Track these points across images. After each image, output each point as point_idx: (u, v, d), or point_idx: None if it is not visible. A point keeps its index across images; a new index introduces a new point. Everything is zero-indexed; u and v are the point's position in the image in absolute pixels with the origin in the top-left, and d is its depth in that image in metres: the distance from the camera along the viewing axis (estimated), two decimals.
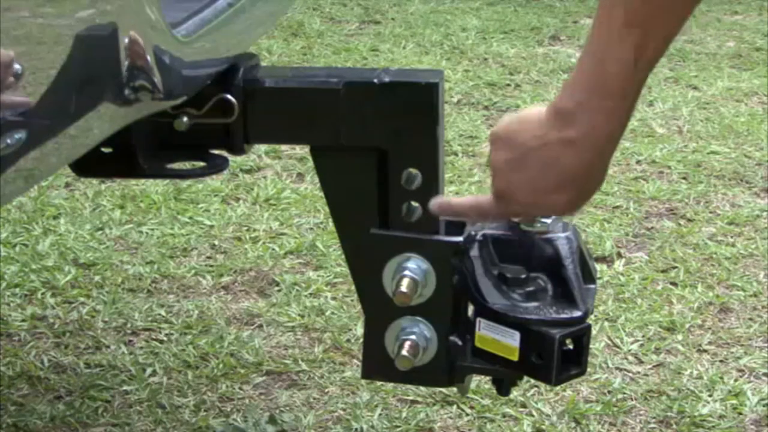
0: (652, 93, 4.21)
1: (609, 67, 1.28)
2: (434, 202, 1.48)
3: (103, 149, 1.61)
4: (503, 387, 1.62)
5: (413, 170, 1.56)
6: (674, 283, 2.78)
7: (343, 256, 1.69)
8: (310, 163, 1.66)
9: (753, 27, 5.26)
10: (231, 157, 1.67)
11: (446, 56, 4.70)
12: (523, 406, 2.28)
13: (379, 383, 2.30)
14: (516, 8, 5.51)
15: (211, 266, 2.82)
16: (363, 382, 2.32)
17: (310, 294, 2.69)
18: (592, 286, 1.57)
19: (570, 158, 1.31)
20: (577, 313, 1.50)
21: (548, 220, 1.53)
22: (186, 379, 2.36)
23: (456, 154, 3.56)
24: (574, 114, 1.30)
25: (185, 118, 1.56)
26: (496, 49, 4.79)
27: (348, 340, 2.50)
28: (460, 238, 1.56)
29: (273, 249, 2.91)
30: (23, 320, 2.56)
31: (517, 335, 1.50)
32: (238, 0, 1.63)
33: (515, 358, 1.51)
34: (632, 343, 2.52)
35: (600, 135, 1.30)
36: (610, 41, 1.29)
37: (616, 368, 2.43)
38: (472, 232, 1.56)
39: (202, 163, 1.67)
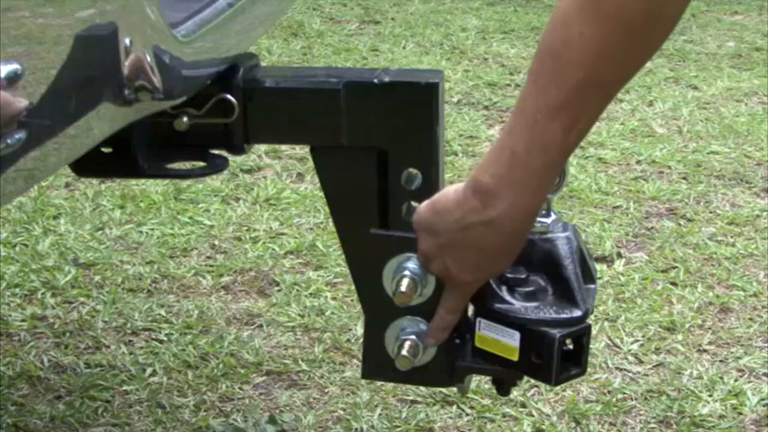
0: (652, 93, 4.22)
1: (533, 149, 1.29)
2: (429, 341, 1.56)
3: (103, 149, 1.61)
4: (503, 387, 1.62)
5: (413, 170, 1.56)
6: (674, 283, 2.78)
7: (343, 256, 1.69)
8: (310, 163, 1.66)
9: (753, 27, 5.27)
10: (231, 157, 1.67)
11: (446, 56, 4.70)
12: (523, 406, 2.28)
13: (379, 383, 2.31)
14: (516, 8, 5.51)
15: (211, 266, 2.83)
16: (363, 382, 2.32)
17: (310, 294, 2.69)
18: (592, 286, 1.57)
19: (491, 238, 1.36)
20: (577, 313, 1.50)
21: (548, 220, 1.53)
22: (186, 379, 2.36)
23: (456, 154, 3.56)
24: (494, 192, 1.32)
25: (185, 118, 1.56)
26: (496, 49, 4.79)
27: (348, 340, 2.50)
28: None
29: (273, 249, 2.91)
30: (23, 320, 2.56)
31: (517, 335, 1.50)
32: (238, 0, 1.63)
33: (515, 358, 1.51)
34: (632, 343, 2.52)
35: (520, 212, 1.34)
36: (535, 126, 1.28)
37: (616, 368, 2.43)
38: None
39: (202, 163, 1.67)
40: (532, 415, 2.26)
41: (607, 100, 1.30)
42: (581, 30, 1.22)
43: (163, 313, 2.60)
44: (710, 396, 2.33)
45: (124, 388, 2.32)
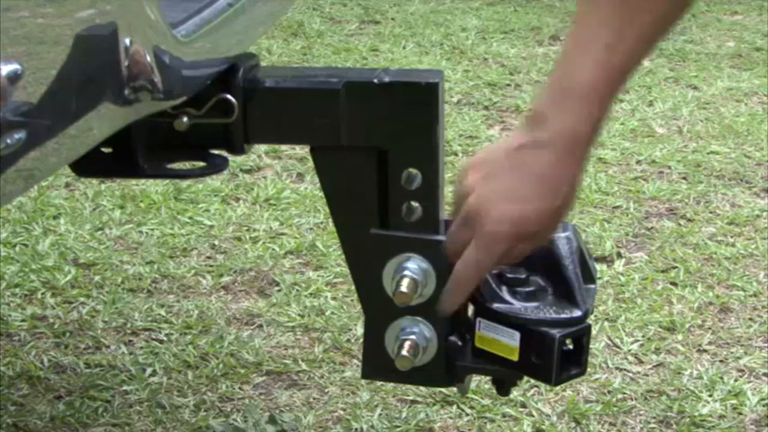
0: (652, 93, 4.22)
1: (579, 67, 1.28)
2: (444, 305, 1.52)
3: (103, 149, 1.61)
4: (503, 387, 1.62)
5: (413, 170, 1.56)
6: (674, 283, 2.78)
7: (343, 256, 1.69)
8: (310, 163, 1.66)
9: (753, 27, 5.27)
10: (231, 157, 1.67)
11: (446, 56, 4.70)
12: (523, 406, 2.28)
13: (379, 383, 2.31)
14: (516, 8, 5.51)
15: (211, 266, 2.83)
16: (363, 382, 2.32)
17: (310, 294, 2.70)
18: (592, 286, 1.57)
19: (542, 160, 1.31)
20: (577, 313, 1.50)
21: None
22: (186, 379, 2.36)
23: (456, 154, 3.56)
24: (545, 115, 1.31)
25: (185, 118, 1.56)
26: (496, 49, 4.79)
27: (348, 340, 2.50)
28: None
29: (273, 249, 2.91)
30: (23, 320, 2.56)
31: (517, 335, 1.50)
32: (238, 0, 1.63)
33: (515, 358, 1.51)
34: (632, 343, 2.52)
35: (570, 136, 1.30)
36: (580, 41, 1.28)
37: (616, 368, 2.43)
38: None
39: (202, 163, 1.67)
40: (532, 415, 2.26)
41: (654, 30, 1.27)
42: None
43: (163, 313, 2.60)
44: (710, 396, 2.33)
45: (124, 388, 2.32)
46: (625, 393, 2.34)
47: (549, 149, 1.31)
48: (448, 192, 1.58)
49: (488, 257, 1.41)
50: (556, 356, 1.48)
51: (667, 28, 1.30)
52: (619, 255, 2.92)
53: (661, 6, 1.28)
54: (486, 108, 4.05)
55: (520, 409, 2.27)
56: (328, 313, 2.61)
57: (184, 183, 3.21)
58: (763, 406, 2.31)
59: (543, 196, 1.33)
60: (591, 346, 1.68)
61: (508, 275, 1.52)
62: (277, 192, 3.24)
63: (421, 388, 2.28)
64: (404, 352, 1.56)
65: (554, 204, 1.34)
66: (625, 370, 2.43)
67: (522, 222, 1.37)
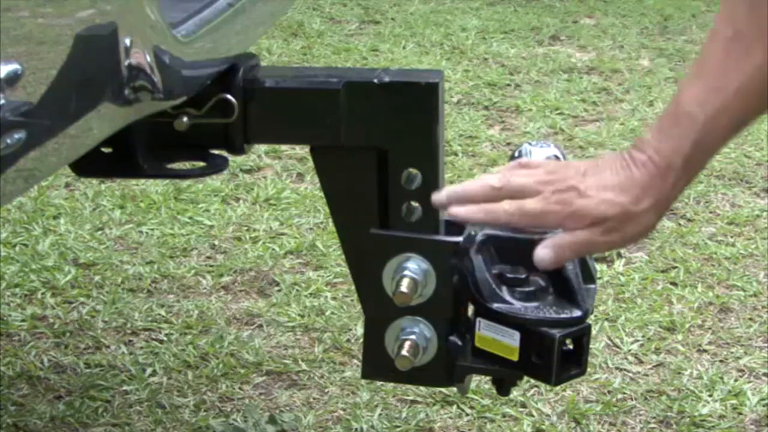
0: (652, 93, 4.22)
1: (686, 91, 1.36)
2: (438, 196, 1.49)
3: (103, 149, 1.61)
4: (503, 387, 1.62)
5: (413, 170, 1.56)
6: (674, 283, 2.78)
7: (343, 256, 1.69)
8: (310, 163, 1.66)
9: None
10: (231, 157, 1.67)
11: (446, 56, 4.70)
12: (523, 406, 2.28)
13: (379, 383, 2.31)
14: (516, 8, 5.51)
15: (211, 266, 2.83)
16: (363, 382, 2.32)
17: (310, 294, 2.70)
18: (592, 286, 1.57)
19: (636, 170, 1.36)
20: (577, 313, 1.50)
21: None
22: (186, 379, 2.36)
23: (456, 154, 3.56)
24: (647, 139, 1.36)
25: (185, 118, 1.56)
26: (496, 49, 4.79)
27: (348, 340, 2.50)
28: (460, 238, 1.55)
29: (273, 249, 2.91)
30: (23, 320, 2.56)
31: (517, 335, 1.50)
32: (238, 0, 1.63)
33: (515, 358, 1.51)
34: (632, 343, 2.52)
35: (664, 159, 1.35)
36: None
37: (616, 368, 2.43)
38: (472, 232, 1.56)
39: (202, 163, 1.67)
40: (532, 415, 2.26)
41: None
42: None
43: (163, 313, 2.60)
44: (710, 396, 2.33)
45: (124, 388, 2.32)
46: (625, 393, 2.34)
47: (644, 165, 1.36)
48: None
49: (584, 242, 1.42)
50: (556, 356, 1.48)
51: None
52: (619, 255, 2.92)
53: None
54: (486, 108, 4.05)
55: (520, 409, 2.27)
56: (328, 313, 2.61)
57: (184, 183, 3.21)
58: (763, 406, 2.31)
59: (631, 195, 1.36)
60: (591, 346, 1.68)
61: (508, 275, 1.52)
62: (277, 192, 3.24)
63: (421, 388, 2.28)
64: (404, 352, 1.56)
65: (636, 207, 1.37)
66: (625, 370, 2.43)
67: (608, 207, 1.38)
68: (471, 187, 1.47)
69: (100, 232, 2.99)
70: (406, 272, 1.54)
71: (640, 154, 1.36)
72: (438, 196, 1.49)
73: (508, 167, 1.48)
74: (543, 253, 1.41)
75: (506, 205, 1.42)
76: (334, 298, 2.68)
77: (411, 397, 2.30)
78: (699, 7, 5.60)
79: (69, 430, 2.20)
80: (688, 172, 1.37)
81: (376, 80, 1.56)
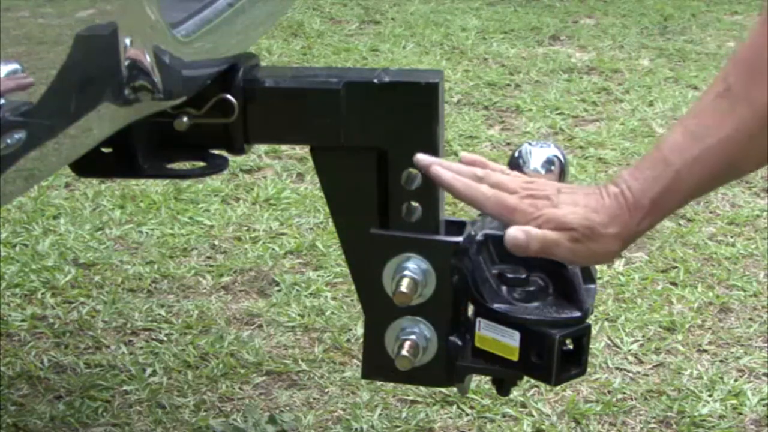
0: (652, 93, 4.21)
1: (662, 143, 1.39)
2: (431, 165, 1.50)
3: (103, 149, 1.61)
4: (503, 387, 1.62)
5: (413, 170, 1.56)
6: (674, 283, 2.78)
7: (343, 256, 1.69)
8: (310, 163, 1.66)
9: (753, 27, 5.26)
10: (231, 157, 1.67)
11: (446, 56, 4.70)
12: (523, 406, 2.28)
13: (379, 383, 2.31)
14: (516, 8, 5.51)
15: (211, 266, 2.83)
16: (363, 382, 2.32)
17: (310, 294, 2.70)
18: (592, 286, 1.57)
19: (607, 199, 1.40)
20: (577, 313, 1.50)
21: None
22: (186, 379, 2.36)
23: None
24: (622, 176, 1.41)
25: (185, 118, 1.56)
26: (496, 49, 4.79)
27: (348, 340, 2.50)
28: (460, 238, 1.56)
29: (273, 249, 2.91)
30: (23, 320, 2.56)
31: (517, 335, 1.50)
32: (238, 0, 1.63)
33: (515, 358, 1.51)
34: (632, 343, 2.52)
35: (634, 195, 1.38)
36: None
37: (616, 368, 2.43)
38: (472, 232, 1.56)
39: (202, 163, 1.67)
40: (532, 415, 2.26)
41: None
42: None
43: (163, 313, 2.60)
44: (710, 396, 2.33)
45: (124, 388, 2.32)
46: (625, 393, 2.34)
47: (616, 197, 1.40)
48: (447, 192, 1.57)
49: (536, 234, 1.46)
50: (556, 356, 1.48)
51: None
52: (619, 255, 2.92)
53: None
54: (486, 108, 4.05)
55: (520, 409, 2.27)
56: (328, 313, 2.61)
57: (184, 183, 3.21)
58: (763, 406, 2.31)
59: (598, 217, 1.41)
60: (591, 346, 1.69)
61: (508, 275, 1.52)
62: (277, 192, 3.24)
63: (421, 388, 2.28)
64: (404, 352, 1.56)
65: (602, 229, 1.41)
66: (625, 370, 2.43)
67: (576, 219, 1.42)
68: (455, 165, 1.51)
69: (100, 232, 2.99)
70: (406, 272, 1.54)
71: (614, 187, 1.41)
72: (422, 157, 1.50)
73: (490, 164, 1.53)
74: (515, 233, 1.43)
75: (485, 188, 1.47)
76: (334, 298, 2.68)
77: (411, 397, 2.30)
78: (699, 7, 5.59)
79: (69, 430, 2.20)
80: (655, 214, 1.40)
81: (376, 80, 1.56)
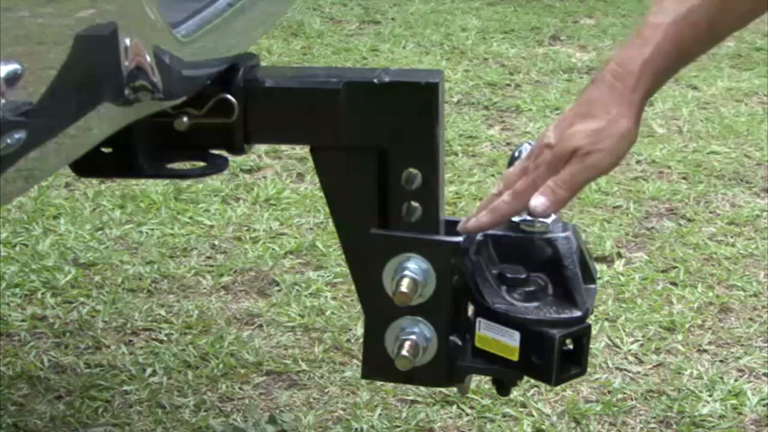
0: None
1: (648, 13, 1.44)
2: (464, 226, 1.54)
3: (103, 149, 1.61)
4: (503, 387, 1.62)
5: (413, 170, 1.56)
6: (674, 283, 2.78)
7: (343, 256, 1.69)
8: (310, 163, 1.66)
9: (753, 27, 5.26)
10: (231, 157, 1.67)
11: (446, 56, 4.70)
12: (523, 406, 2.28)
13: (379, 383, 2.31)
14: (516, 8, 5.51)
15: (211, 266, 2.83)
16: (363, 382, 2.32)
17: (310, 294, 2.69)
18: (592, 286, 1.57)
19: (596, 89, 1.44)
20: (577, 313, 1.50)
21: (548, 220, 1.53)
22: (186, 379, 2.36)
23: (456, 154, 3.56)
24: (608, 58, 1.45)
25: (185, 118, 1.56)
26: (496, 49, 4.79)
27: (348, 340, 2.50)
28: (460, 238, 1.56)
29: (273, 249, 2.91)
30: (23, 320, 2.56)
31: (517, 335, 1.50)
32: (238, 0, 1.63)
33: (515, 358, 1.51)
34: (632, 343, 2.52)
35: (619, 65, 1.42)
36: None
37: (616, 368, 2.43)
38: None
39: (202, 163, 1.67)
40: (532, 415, 2.26)
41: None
42: None
43: (163, 313, 2.60)
44: (710, 396, 2.33)
45: (124, 388, 2.32)
46: (625, 393, 2.34)
47: (601, 80, 1.43)
48: (447, 192, 1.57)
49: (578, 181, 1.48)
50: (556, 356, 1.48)
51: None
52: (619, 255, 2.92)
53: None
54: (486, 108, 4.05)
55: (520, 409, 2.27)
56: (328, 313, 2.61)
57: (184, 183, 3.21)
58: (763, 406, 2.31)
59: (592, 116, 1.43)
60: (591, 346, 1.69)
61: (508, 275, 1.52)
62: (277, 192, 3.24)
63: (421, 388, 2.28)
64: (404, 352, 1.56)
65: (602, 122, 1.43)
66: (625, 370, 2.43)
67: (574, 140, 1.44)
68: (480, 204, 1.54)
69: (100, 232, 2.99)
70: (406, 272, 1.54)
71: (599, 75, 1.44)
72: (461, 227, 1.54)
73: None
74: (535, 203, 1.45)
75: (505, 197, 1.49)
76: (334, 298, 2.68)
77: (411, 397, 2.30)
78: None
79: (69, 430, 2.20)
80: (649, 76, 1.42)
81: (376, 80, 1.56)
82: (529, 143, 1.63)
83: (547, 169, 1.45)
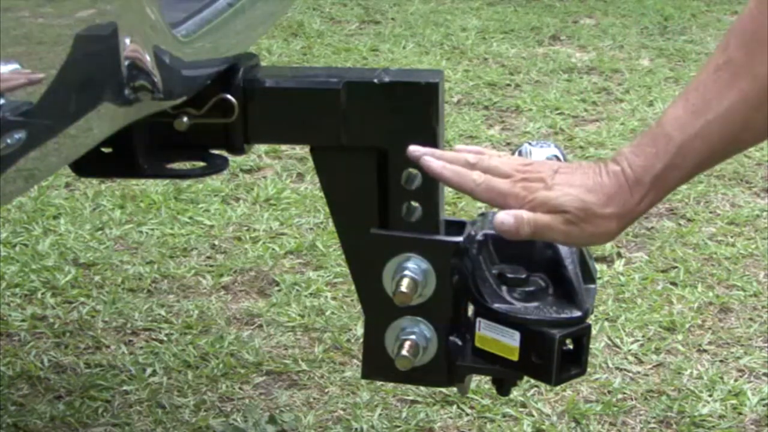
0: (652, 93, 4.21)
1: (668, 111, 1.37)
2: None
3: (103, 149, 1.61)
4: (503, 387, 1.62)
5: (413, 170, 1.56)
6: (674, 283, 2.78)
7: (343, 256, 1.69)
8: (310, 163, 1.67)
9: None
10: (231, 157, 1.67)
11: (446, 56, 4.70)
12: (523, 406, 2.28)
13: (379, 383, 2.31)
14: (516, 8, 5.51)
15: (211, 266, 2.83)
16: (363, 382, 2.32)
17: (310, 294, 2.70)
18: (592, 286, 1.57)
19: (607, 177, 1.39)
20: (577, 313, 1.50)
21: None
22: (186, 379, 2.36)
23: None
24: (623, 153, 1.39)
25: (185, 118, 1.56)
26: (496, 49, 4.79)
27: (348, 340, 2.50)
28: (460, 238, 1.56)
29: (273, 249, 2.91)
30: (23, 320, 2.56)
31: (517, 335, 1.50)
32: (238, 0, 1.63)
33: (515, 358, 1.51)
34: (632, 343, 2.52)
35: (636, 172, 1.37)
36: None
37: (616, 368, 2.43)
38: (472, 232, 1.56)
39: (202, 163, 1.67)
40: (532, 415, 2.26)
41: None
42: None
43: (163, 313, 2.60)
44: (710, 396, 2.33)
45: (124, 388, 2.32)
46: (625, 393, 2.34)
47: (619, 173, 1.38)
48: (447, 192, 1.57)
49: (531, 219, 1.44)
50: (556, 356, 1.48)
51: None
52: (619, 255, 2.92)
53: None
54: (486, 108, 4.05)
55: (520, 409, 2.27)
56: (328, 313, 2.61)
57: (184, 183, 3.21)
58: (763, 406, 2.31)
59: (595, 197, 1.39)
60: (591, 346, 1.69)
61: (509, 275, 1.52)
62: (277, 192, 3.24)
63: (421, 388, 2.28)
64: (404, 352, 1.56)
65: (599, 210, 1.39)
66: (625, 370, 2.43)
67: (570, 200, 1.41)
68: (447, 153, 1.49)
69: (100, 232, 2.99)
70: (406, 272, 1.54)
71: (614, 165, 1.39)
72: (414, 148, 1.48)
73: (487, 151, 1.50)
74: (503, 217, 1.41)
75: (475, 176, 1.44)
76: (334, 298, 2.68)
77: (411, 397, 2.30)
78: (699, 7, 5.59)
79: (69, 430, 2.20)
80: (657, 191, 1.38)
81: (376, 80, 1.56)
82: (530, 143, 1.63)
83: (528, 201, 1.41)
